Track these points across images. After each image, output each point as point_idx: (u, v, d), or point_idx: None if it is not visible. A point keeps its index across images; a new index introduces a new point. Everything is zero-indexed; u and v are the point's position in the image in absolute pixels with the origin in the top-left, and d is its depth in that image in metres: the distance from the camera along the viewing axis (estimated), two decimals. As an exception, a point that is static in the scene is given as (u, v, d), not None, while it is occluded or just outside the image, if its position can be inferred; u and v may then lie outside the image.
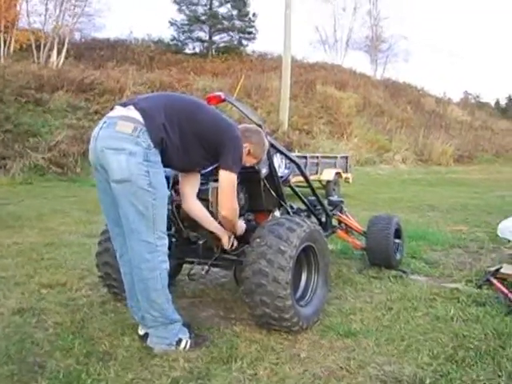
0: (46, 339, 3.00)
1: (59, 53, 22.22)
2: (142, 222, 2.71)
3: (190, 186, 3.15)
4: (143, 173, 2.64)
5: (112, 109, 2.87)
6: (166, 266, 2.85)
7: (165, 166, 2.89)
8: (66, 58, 22.33)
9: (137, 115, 2.68)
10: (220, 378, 2.56)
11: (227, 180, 2.89)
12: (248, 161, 3.21)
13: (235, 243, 3.27)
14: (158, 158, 2.73)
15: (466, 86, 78.03)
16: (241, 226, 3.28)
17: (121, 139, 2.65)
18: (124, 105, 2.80)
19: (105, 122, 2.75)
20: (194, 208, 3.15)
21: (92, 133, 2.82)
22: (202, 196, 3.25)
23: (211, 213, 3.25)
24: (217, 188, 3.20)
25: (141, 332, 3.00)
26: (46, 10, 23.19)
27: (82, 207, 8.68)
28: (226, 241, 3.23)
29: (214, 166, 3.25)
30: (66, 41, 22.65)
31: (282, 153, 3.72)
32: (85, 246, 5.53)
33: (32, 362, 2.71)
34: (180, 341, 2.88)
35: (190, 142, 2.85)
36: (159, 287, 2.81)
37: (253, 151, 3.19)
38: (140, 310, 2.94)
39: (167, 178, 3.40)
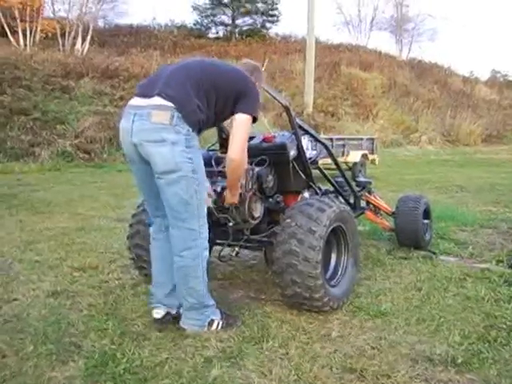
0: (80, 320, 3.07)
1: (84, 40, 22.36)
2: (188, 209, 2.71)
3: None
4: (187, 160, 2.63)
5: (130, 99, 2.82)
6: (207, 253, 2.87)
7: None
8: (90, 45, 22.46)
9: (169, 104, 2.63)
10: (252, 357, 2.60)
11: (244, 122, 2.80)
12: None
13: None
14: (197, 142, 2.72)
15: (494, 65, 76.17)
16: (237, 194, 3.10)
17: (159, 130, 2.61)
18: (146, 96, 2.71)
19: (135, 115, 2.68)
20: None
21: (121, 125, 2.78)
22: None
23: (239, 195, 3.26)
24: (247, 169, 3.21)
25: (157, 315, 2.99)
26: (71, -3, 23.32)
27: (109, 192, 8.80)
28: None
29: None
30: (91, 28, 22.74)
31: (310, 134, 3.71)
32: (114, 230, 5.61)
33: (68, 342, 2.78)
34: (212, 322, 2.91)
35: (220, 109, 2.82)
36: (200, 274, 2.83)
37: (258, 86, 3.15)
38: (162, 295, 2.99)
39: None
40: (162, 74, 2.84)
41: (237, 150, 2.81)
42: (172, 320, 2.99)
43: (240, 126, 2.81)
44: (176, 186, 2.66)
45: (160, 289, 3.03)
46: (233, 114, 2.87)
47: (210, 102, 2.76)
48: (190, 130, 2.65)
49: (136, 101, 2.76)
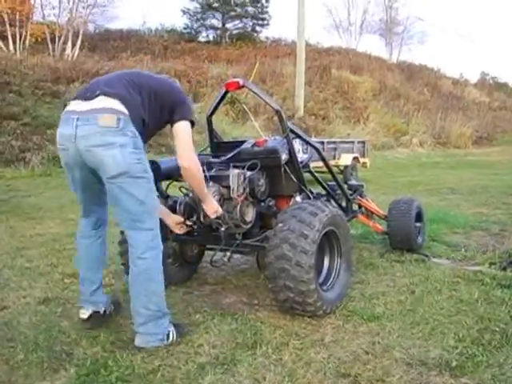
0: (72, 328, 3.03)
1: (74, 45, 22.26)
2: (144, 210, 2.69)
3: None
4: (137, 161, 2.62)
5: (67, 104, 2.78)
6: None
7: None
8: (80, 49, 22.37)
9: (115, 104, 2.61)
10: (245, 363, 2.58)
11: (186, 129, 2.84)
12: None
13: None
14: (142, 143, 2.71)
15: (484, 67, 76.66)
16: (212, 200, 3.17)
17: (107, 133, 2.56)
18: (87, 99, 2.67)
19: (78, 119, 2.60)
20: None
21: (60, 131, 2.73)
22: (223, 183, 3.26)
23: (230, 199, 3.26)
24: (238, 174, 3.21)
25: (83, 315, 3.00)
26: (60, 2, 23.24)
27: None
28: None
29: (234, 152, 3.28)
30: (81, 33, 22.68)
31: (301, 138, 3.70)
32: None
33: (59, 350, 2.75)
34: (169, 334, 2.84)
35: (157, 116, 2.84)
36: (160, 277, 2.81)
37: None
38: (89, 291, 3.03)
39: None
40: (100, 81, 2.85)
41: (187, 157, 2.85)
42: (101, 319, 3.05)
43: (182, 132, 2.84)
44: (129, 188, 2.63)
45: (88, 285, 3.03)
46: (166, 124, 2.92)
47: (150, 106, 2.78)
48: (136, 132, 2.64)
49: (76, 105, 2.69)
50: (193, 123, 2.90)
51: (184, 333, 2.92)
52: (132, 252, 2.78)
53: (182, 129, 2.83)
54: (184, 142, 2.84)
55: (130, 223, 2.74)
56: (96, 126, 2.56)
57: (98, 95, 2.64)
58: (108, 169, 2.59)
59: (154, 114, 2.80)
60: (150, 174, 2.73)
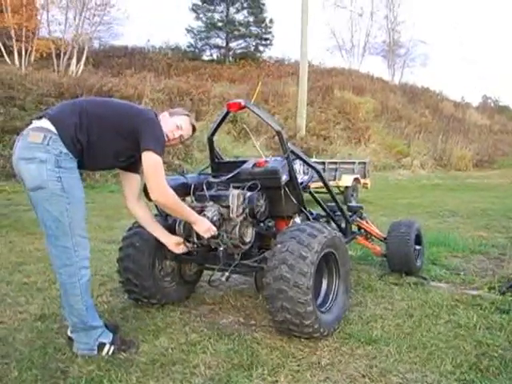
0: (68, 345, 3.01)
1: (78, 61, 22.46)
2: (59, 227, 2.74)
3: (129, 189, 3.22)
4: (55, 179, 2.68)
5: (30, 123, 2.89)
6: (86, 272, 2.86)
7: (93, 168, 3.12)
8: (85, 65, 22.56)
9: (48, 124, 2.72)
10: (241, 384, 2.56)
11: (151, 160, 2.83)
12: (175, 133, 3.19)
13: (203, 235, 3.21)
14: (72, 164, 2.76)
15: (485, 90, 77.12)
16: (202, 220, 3.17)
17: (32, 149, 2.69)
18: (39, 118, 2.82)
19: (22, 135, 2.79)
20: (134, 210, 3.26)
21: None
22: (223, 203, 3.26)
23: (229, 219, 3.26)
24: (238, 194, 3.21)
25: (69, 333, 3.04)
26: (66, 18, 23.46)
27: (101, 213, 8.74)
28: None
29: (235, 172, 3.28)
30: (86, 49, 22.89)
31: (301, 159, 3.71)
32: (104, 252, 5.57)
33: (55, 367, 2.74)
34: (103, 346, 2.91)
35: (109, 138, 2.87)
36: (77, 293, 2.83)
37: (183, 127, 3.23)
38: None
39: (188, 185, 3.43)
40: (57, 104, 3.01)
41: (155, 191, 2.91)
42: None
43: (146, 164, 2.86)
44: (45, 203, 2.71)
45: (64, 311, 3.03)
46: (137, 150, 2.90)
47: (101, 132, 2.83)
48: (63, 151, 2.70)
49: (31, 124, 2.87)
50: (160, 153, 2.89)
51: (126, 350, 2.95)
52: (52, 264, 2.90)
53: (144, 160, 2.85)
54: (148, 175, 2.87)
55: (47, 237, 2.81)
56: (26, 142, 2.73)
57: (42, 117, 2.79)
58: (26, 181, 2.73)
59: (102, 136, 2.84)
60: (71, 194, 2.74)
